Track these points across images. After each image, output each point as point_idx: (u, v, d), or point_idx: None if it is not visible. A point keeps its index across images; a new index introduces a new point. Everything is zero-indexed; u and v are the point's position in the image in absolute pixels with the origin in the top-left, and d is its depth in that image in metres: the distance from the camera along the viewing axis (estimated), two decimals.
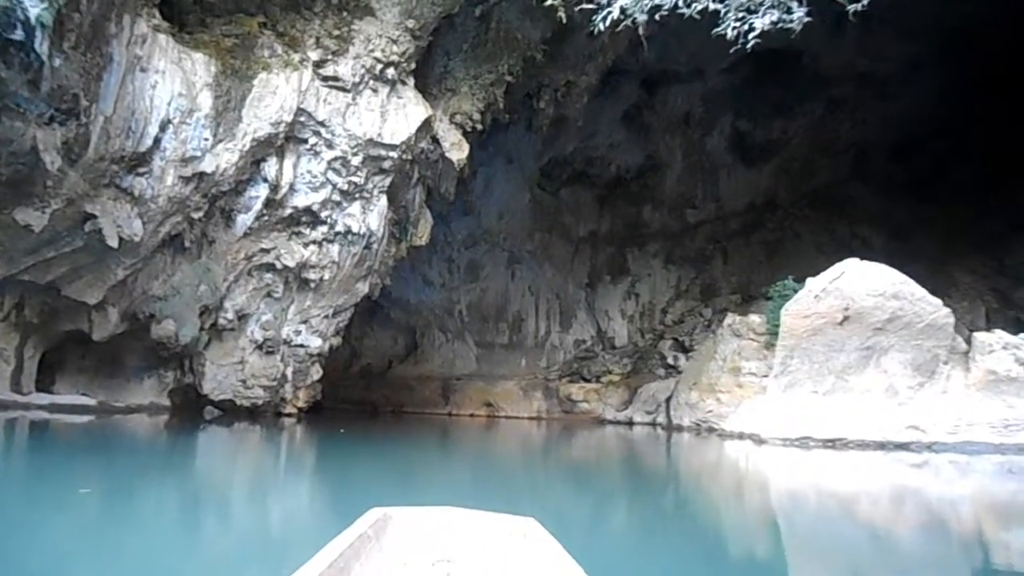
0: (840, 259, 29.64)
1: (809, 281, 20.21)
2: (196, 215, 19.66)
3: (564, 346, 38.16)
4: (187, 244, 20.56)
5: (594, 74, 29.42)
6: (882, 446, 18.20)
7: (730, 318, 24.97)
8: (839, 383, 19.03)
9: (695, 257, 37.47)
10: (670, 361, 34.80)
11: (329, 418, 32.00)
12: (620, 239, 37.99)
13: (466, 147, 24.10)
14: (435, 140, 23.80)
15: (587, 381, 36.43)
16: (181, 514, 7.86)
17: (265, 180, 20.46)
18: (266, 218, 21.05)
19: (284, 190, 20.72)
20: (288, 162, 20.70)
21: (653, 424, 31.32)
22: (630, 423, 32.29)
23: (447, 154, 23.77)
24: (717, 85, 36.05)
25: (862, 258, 23.95)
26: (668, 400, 28.32)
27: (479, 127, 24.85)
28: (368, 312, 40.27)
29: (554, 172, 37.54)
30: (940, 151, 35.90)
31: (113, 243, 17.87)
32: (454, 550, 4.01)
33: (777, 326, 23.62)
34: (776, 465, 15.63)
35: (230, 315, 21.49)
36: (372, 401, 39.55)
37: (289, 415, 24.34)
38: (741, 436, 21.21)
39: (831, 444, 18.34)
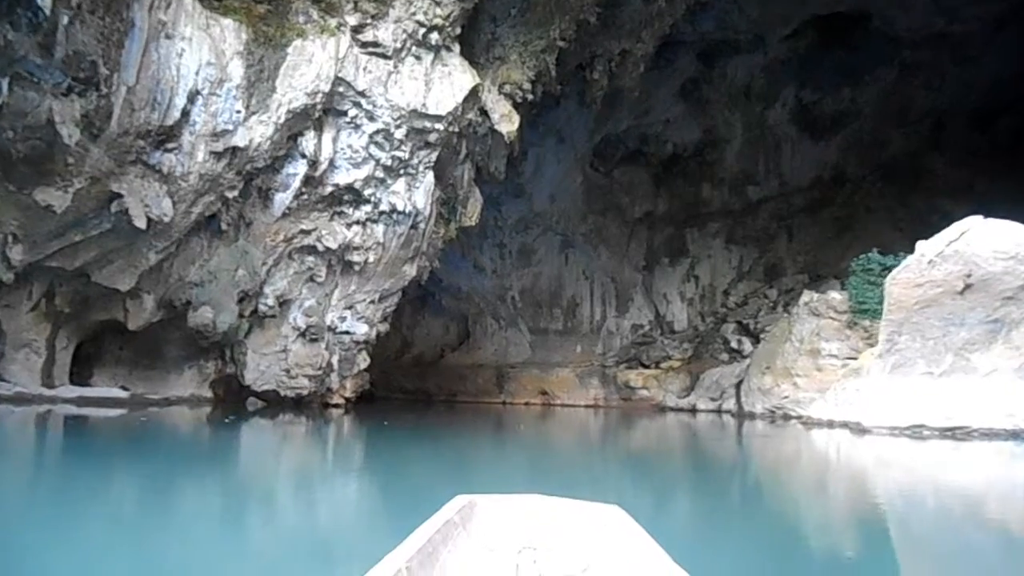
0: (919, 236, 27.18)
1: (920, 245, 17.70)
2: (231, 194, 18.08)
3: (621, 331, 36.15)
4: (223, 226, 19.03)
5: (650, 42, 27.26)
6: (1014, 435, 15.73)
7: (807, 295, 22.70)
8: (959, 362, 16.46)
9: (758, 236, 35.09)
10: (734, 345, 32.58)
11: (380, 408, 30.52)
12: (678, 219, 35.79)
13: (516, 119, 22.18)
14: (483, 112, 21.92)
15: (646, 367, 34.38)
16: (226, 513, 6.85)
17: (303, 156, 18.80)
18: (305, 197, 19.41)
19: (323, 166, 19.03)
20: (327, 136, 19.01)
21: (719, 411, 29.16)
22: (693, 410, 30.16)
23: (496, 127, 21.88)
24: (780, 54, 33.58)
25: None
26: (738, 386, 26.11)
27: (529, 98, 22.92)
28: (419, 300, 38.79)
29: (607, 151, 35.45)
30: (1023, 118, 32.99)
31: (141, 224, 16.38)
32: (539, 537, 3.90)
33: (861, 303, 21.40)
34: (883, 457, 13.47)
35: (271, 301, 19.92)
36: (425, 390, 38.08)
37: (336, 406, 22.76)
38: (831, 424, 18.91)
39: (950, 433, 15.91)
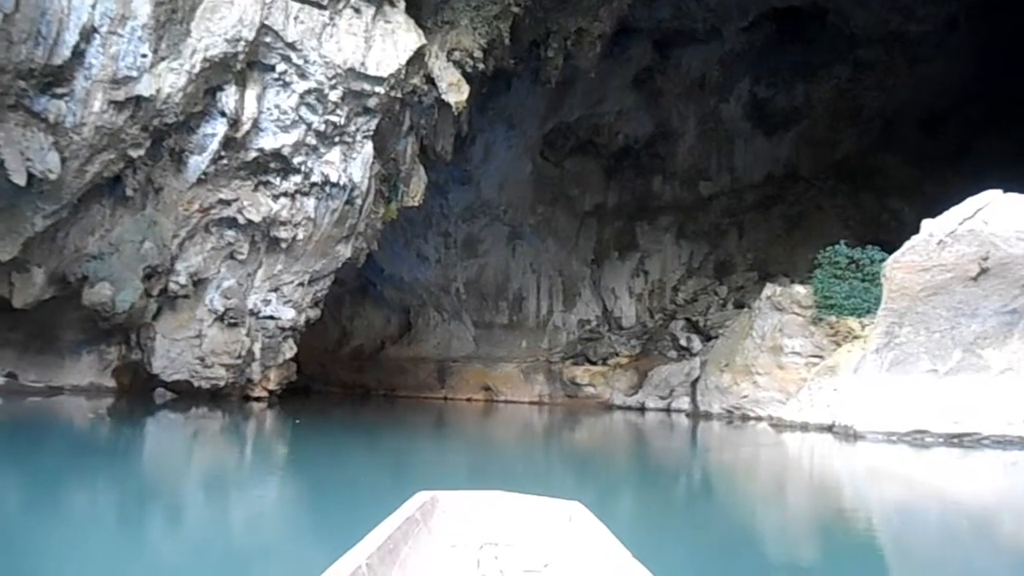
0: (868, 235, 25.17)
1: (927, 224, 15.40)
2: (135, 153, 15.08)
3: (568, 326, 33.72)
4: (129, 192, 16.02)
5: (608, 21, 24.89)
6: None
7: (770, 289, 20.50)
8: (969, 359, 14.08)
9: (709, 232, 32.99)
10: (683, 343, 30.39)
11: (311, 403, 27.66)
12: (628, 213, 33.49)
13: (466, 89, 19.56)
14: (430, 80, 19.26)
15: (593, 364, 31.96)
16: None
17: (223, 114, 15.91)
18: (225, 162, 16.51)
19: (246, 127, 16.15)
20: (251, 93, 16.14)
21: (668, 410, 26.93)
22: (642, 409, 27.87)
23: (444, 96, 19.24)
24: (735, 46, 31.54)
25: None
26: (693, 384, 23.82)
27: (481, 67, 20.32)
28: (359, 290, 35.94)
29: (558, 141, 33.01)
30: (974, 120, 31.50)
31: (20, 180, 13.32)
32: (501, 533, 3.75)
33: (827, 298, 19.30)
34: (877, 467, 11.20)
35: (183, 279, 16.95)
36: (363, 384, 35.13)
37: (259, 399, 19.82)
38: (805, 427, 16.62)
39: (956, 440, 13.61)
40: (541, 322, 33.90)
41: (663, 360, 30.37)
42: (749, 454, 13.55)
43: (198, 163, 16.09)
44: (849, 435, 14.91)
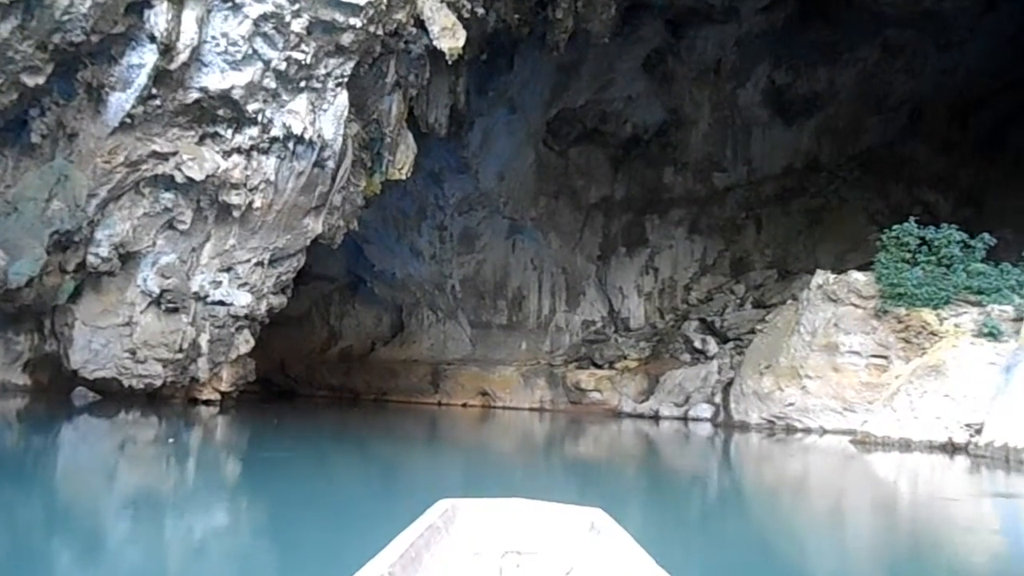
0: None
1: None
2: (33, 81, 10.94)
3: (571, 327, 29.54)
4: (35, 138, 11.85)
5: None
6: None
7: (821, 276, 16.36)
8: None
9: (724, 227, 28.86)
10: (697, 345, 26.24)
11: (289, 408, 23.54)
12: (637, 206, 29.38)
13: (462, 35, 15.38)
14: (419, 24, 15.11)
15: (598, 368, 27.77)
16: None
17: (152, 39, 11.78)
18: (158, 104, 12.36)
19: (182, 57, 12.01)
20: (189, 14, 12.01)
21: (685, 419, 22.76)
22: (656, 417, 23.69)
23: (436, 42, 15.08)
24: (754, 27, 27.53)
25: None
26: (726, 389, 19.60)
27: (480, 12, 16.23)
28: (349, 288, 31.85)
29: (562, 128, 28.93)
30: (1008, 109, 27.50)
31: None
32: (523, 540, 3.49)
33: (894, 286, 15.12)
34: None
35: (105, 251, 12.79)
36: (352, 388, 30.88)
37: (209, 403, 15.53)
38: (906, 446, 12.19)
39: None
40: (543, 323, 29.73)
41: (676, 364, 26.24)
42: (844, 488, 9.33)
43: (121, 102, 11.94)
44: (999, 457, 10.46)
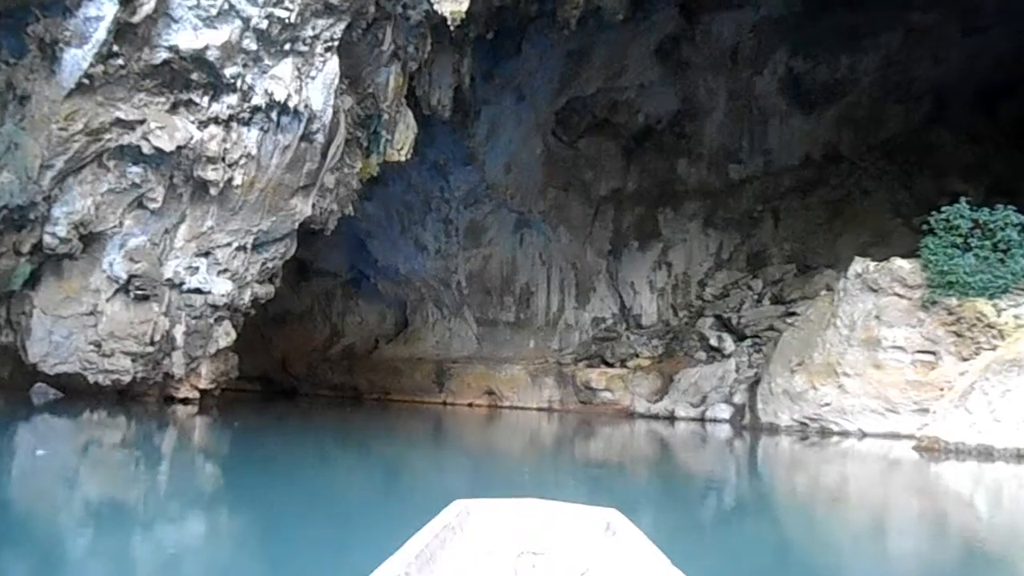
0: (924, 219, 19.37)
1: None
2: None
3: (581, 325, 27.77)
4: None
5: None
6: None
7: (860, 264, 14.54)
8: None
9: (740, 220, 27.03)
10: (713, 343, 24.43)
11: (297, 406, 21.96)
12: (649, 199, 27.58)
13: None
14: None
15: (609, 366, 25.97)
16: None
17: None
18: (121, 63, 10.65)
19: (147, 8, 10.32)
20: None
21: (702, 419, 21.00)
22: (671, 418, 21.91)
23: (436, 6, 13.32)
24: (771, 12, 25.76)
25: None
26: (752, 387, 17.78)
27: None
28: (352, 283, 30.18)
29: (572, 118, 27.19)
30: None
31: None
32: (538, 541, 3.40)
33: (944, 273, 13.30)
34: None
35: (63, 231, 11.10)
36: (355, 387, 29.18)
37: (186, 401, 13.79)
38: (987, 454, 10.28)
39: None
40: (551, 320, 27.97)
41: (690, 362, 24.46)
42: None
43: (77, 60, 10.25)
44: None
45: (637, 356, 25.94)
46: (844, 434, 13.89)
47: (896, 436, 13.06)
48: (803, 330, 15.62)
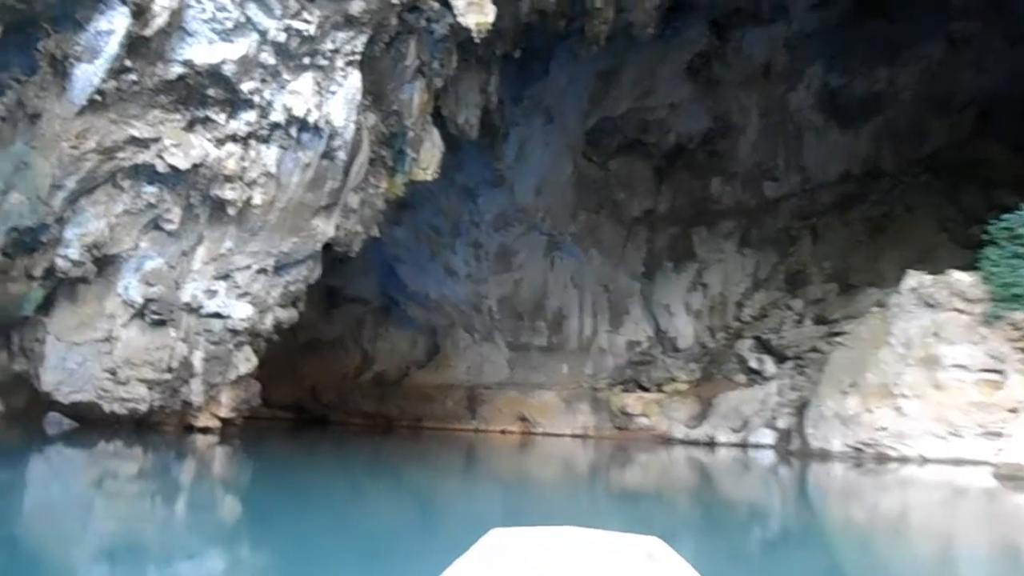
0: (972, 236, 18.16)
1: None
2: None
3: (615, 349, 26.77)
4: None
5: None
6: None
7: (914, 278, 13.53)
8: None
9: (777, 239, 25.98)
10: (753, 365, 23.31)
11: (325, 434, 21.32)
12: (683, 219, 26.66)
13: (491, 10, 12.99)
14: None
15: (645, 391, 24.91)
16: None
17: (123, 0, 9.55)
18: (134, 79, 10.16)
19: (159, 20, 9.81)
20: None
21: (743, 445, 19.89)
22: (711, 444, 20.82)
23: (461, 18, 12.74)
24: (805, 26, 24.97)
25: None
26: (800, 411, 16.67)
27: None
28: (383, 310, 29.54)
29: (602, 139, 26.48)
30: None
31: None
32: (578, 570, 2.95)
33: (1008, 286, 12.21)
34: None
35: (75, 254, 10.55)
36: (386, 414, 28.34)
37: (206, 430, 13.13)
38: None
39: None
40: (584, 344, 27.01)
41: (730, 386, 23.32)
42: None
43: (88, 76, 9.75)
44: None
45: (674, 380, 24.88)
46: (903, 460, 12.76)
47: (960, 462, 11.94)
48: (854, 349, 14.54)
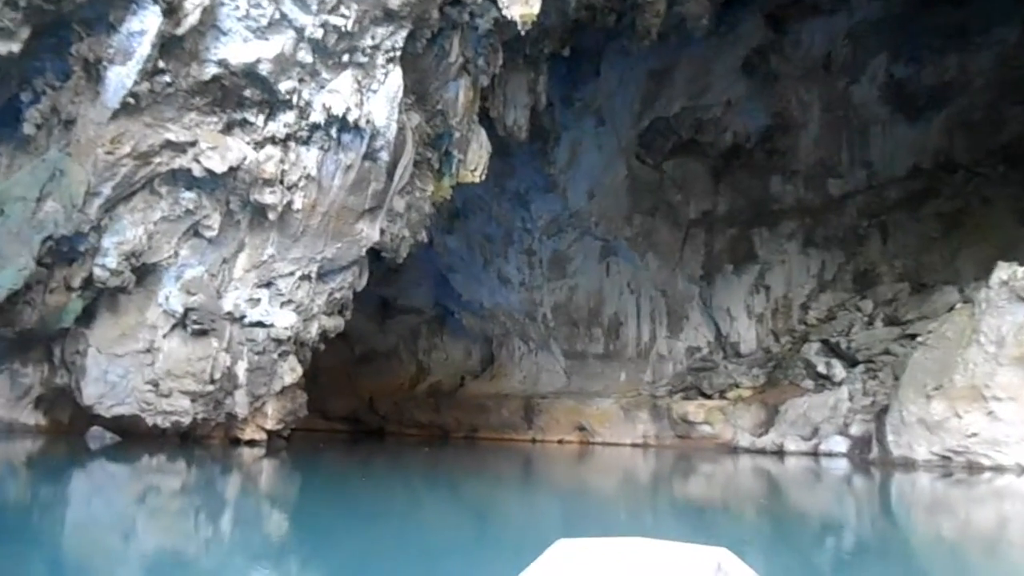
0: None
1: None
2: (6, 48, 8.45)
3: (674, 355, 25.62)
4: (29, 129, 9.39)
5: None
6: None
7: (1005, 271, 12.15)
8: None
9: (844, 237, 24.50)
10: (821, 370, 21.88)
11: (379, 447, 20.80)
12: (742, 220, 25.42)
13: (536, 1, 12.28)
14: None
15: (707, 398, 23.70)
16: None
17: (154, 0, 9.13)
18: (168, 81, 9.73)
19: (191, 19, 9.39)
20: None
21: (815, 454, 18.57)
22: (780, 452, 19.54)
23: (506, 10, 12.04)
24: (868, 15, 23.59)
25: None
26: (880, 416, 15.34)
27: None
28: (437, 320, 29.09)
29: (656, 140, 25.45)
30: None
31: None
32: None
33: None
34: None
35: (113, 262, 10.18)
36: (442, 425, 27.82)
37: (252, 443, 12.61)
38: None
39: None
40: (642, 351, 25.95)
41: (797, 391, 21.95)
42: None
43: (121, 78, 9.38)
44: None
45: (737, 386, 23.61)
46: (997, 469, 11.45)
47: None
48: (937, 349, 13.18)
